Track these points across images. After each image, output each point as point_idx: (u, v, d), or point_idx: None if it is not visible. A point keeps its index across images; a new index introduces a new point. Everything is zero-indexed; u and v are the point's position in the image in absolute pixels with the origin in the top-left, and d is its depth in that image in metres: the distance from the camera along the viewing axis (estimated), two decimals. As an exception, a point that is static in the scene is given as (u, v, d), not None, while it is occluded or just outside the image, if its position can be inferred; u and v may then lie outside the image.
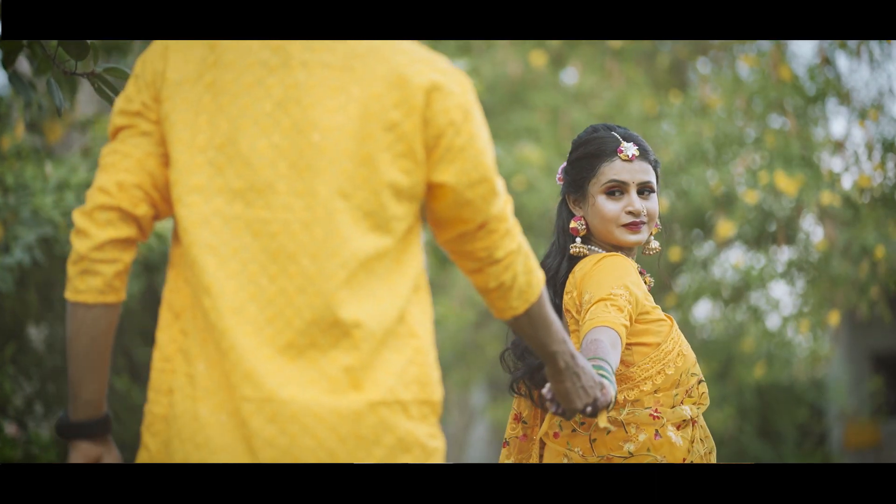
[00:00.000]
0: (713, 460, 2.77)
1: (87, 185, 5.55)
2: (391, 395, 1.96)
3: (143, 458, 2.02)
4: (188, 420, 1.96)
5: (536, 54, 10.40)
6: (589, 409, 2.29)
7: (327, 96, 1.98)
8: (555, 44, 10.68)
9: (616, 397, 2.59)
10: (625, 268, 2.71)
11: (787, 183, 7.32)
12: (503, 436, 2.90)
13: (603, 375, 2.38)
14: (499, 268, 2.10)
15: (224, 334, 1.94)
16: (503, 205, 2.08)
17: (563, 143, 10.13)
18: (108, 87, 2.64)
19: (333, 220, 1.96)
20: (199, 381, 1.96)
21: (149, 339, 6.27)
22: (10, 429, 5.60)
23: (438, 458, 2.01)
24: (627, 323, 2.61)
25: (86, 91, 7.11)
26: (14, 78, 2.93)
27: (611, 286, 2.65)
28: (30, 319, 5.79)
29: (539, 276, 2.15)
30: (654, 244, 2.87)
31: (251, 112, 1.98)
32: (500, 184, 2.07)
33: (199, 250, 1.97)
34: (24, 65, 5.62)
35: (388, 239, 2.00)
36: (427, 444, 2.00)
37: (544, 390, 2.30)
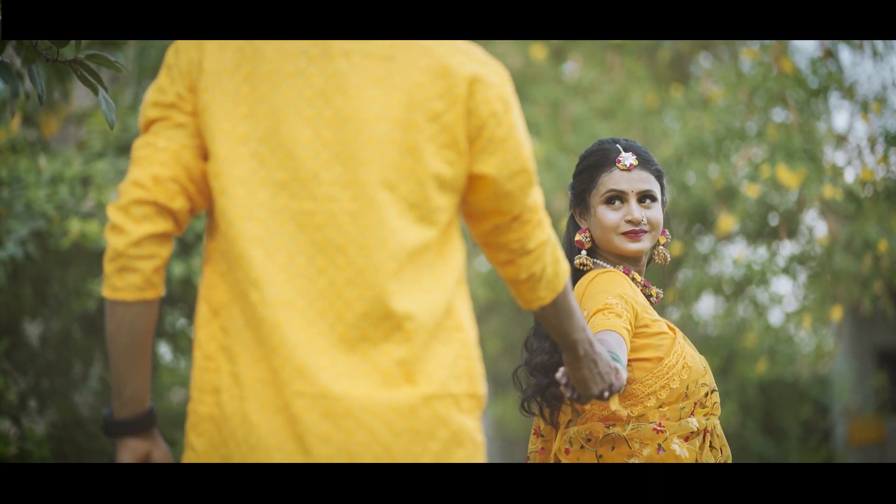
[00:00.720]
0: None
1: (82, 178, 5.51)
2: (444, 388, 1.94)
3: (189, 458, 1.97)
4: (239, 422, 1.92)
5: (537, 48, 10.36)
6: (606, 393, 2.30)
7: (370, 85, 1.95)
8: (556, 38, 10.64)
9: (622, 405, 2.61)
10: (618, 282, 2.71)
11: (789, 177, 7.26)
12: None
13: (616, 360, 2.38)
14: (530, 258, 2.09)
15: (275, 329, 1.90)
16: (536, 195, 2.07)
17: (564, 137, 10.07)
18: (91, 75, 2.59)
19: (380, 211, 1.93)
20: (245, 380, 1.92)
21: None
22: (5, 425, 5.57)
23: (483, 452, 2.01)
24: (629, 327, 2.60)
25: (82, 85, 7.06)
26: (1, 68, 2.89)
27: (605, 297, 2.65)
28: (24, 314, 5.76)
29: (565, 267, 2.15)
30: (664, 252, 2.86)
31: (292, 102, 1.94)
32: (535, 175, 2.06)
33: (247, 243, 1.92)
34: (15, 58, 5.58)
35: (432, 231, 1.97)
36: (476, 439, 1.98)
37: (558, 375, 2.29)
